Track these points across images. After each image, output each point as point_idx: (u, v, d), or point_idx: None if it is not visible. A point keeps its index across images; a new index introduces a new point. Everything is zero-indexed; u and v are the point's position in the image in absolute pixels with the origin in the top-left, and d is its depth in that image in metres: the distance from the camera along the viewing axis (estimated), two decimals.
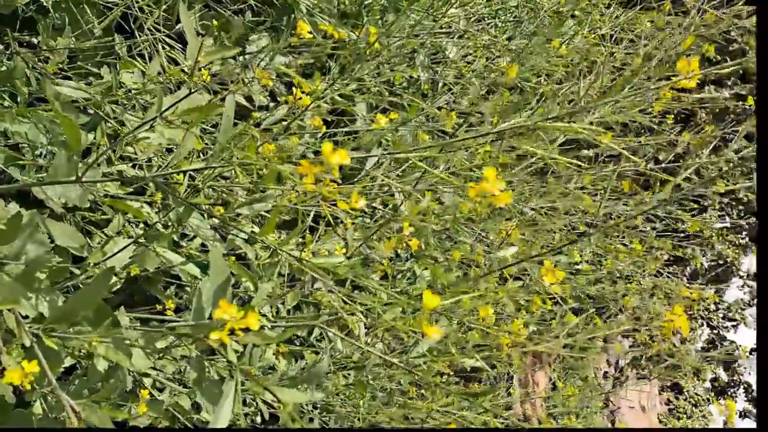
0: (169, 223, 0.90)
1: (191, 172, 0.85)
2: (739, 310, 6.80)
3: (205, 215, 0.74)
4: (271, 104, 2.20)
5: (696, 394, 7.80)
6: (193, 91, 0.68)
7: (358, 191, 0.59)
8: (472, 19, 2.29)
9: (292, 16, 2.33)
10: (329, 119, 2.04)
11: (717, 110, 4.17)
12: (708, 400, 7.76)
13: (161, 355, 1.26)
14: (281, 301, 1.04)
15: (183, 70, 1.61)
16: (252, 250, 1.11)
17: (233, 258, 1.02)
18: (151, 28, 1.49)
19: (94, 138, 1.45)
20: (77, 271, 1.20)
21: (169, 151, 1.19)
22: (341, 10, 2.48)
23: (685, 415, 7.86)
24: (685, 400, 7.94)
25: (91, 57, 1.61)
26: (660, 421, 8.56)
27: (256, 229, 1.30)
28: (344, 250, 1.03)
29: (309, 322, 0.73)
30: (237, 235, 1.12)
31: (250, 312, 0.50)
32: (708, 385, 7.89)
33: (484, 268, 1.15)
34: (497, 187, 0.55)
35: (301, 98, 1.53)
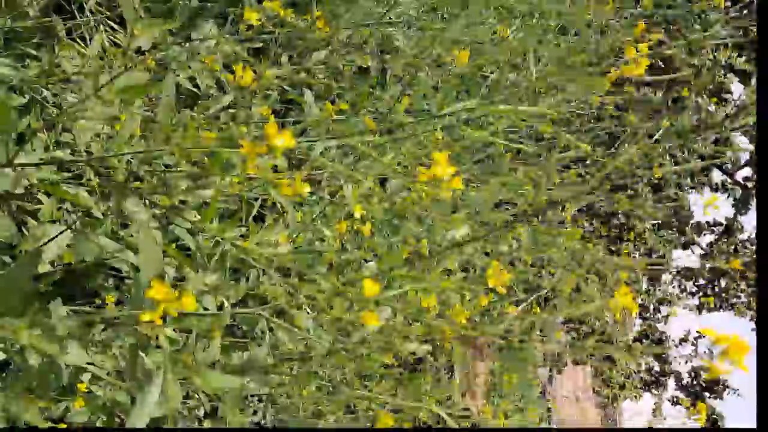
0: (108, 212, 0.87)
1: (132, 157, 0.83)
2: (669, 303, 7.12)
3: (146, 202, 0.72)
4: (218, 93, 2.17)
5: (626, 380, 8.13)
6: (130, 66, 0.66)
7: (303, 177, 0.59)
8: (423, 9, 2.30)
9: (240, 2, 2.29)
10: (278, 108, 2.02)
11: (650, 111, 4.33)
12: (640, 387, 8.11)
13: (99, 349, 1.22)
14: (225, 295, 1.03)
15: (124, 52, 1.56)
16: (194, 241, 1.09)
17: (174, 245, 0.99)
18: (93, 9, 1.44)
19: (29, 123, 1.39)
20: (10, 260, 1.15)
21: (110, 137, 1.15)
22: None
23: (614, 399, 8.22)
24: (614, 387, 8.28)
25: (28, 39, 1.55)
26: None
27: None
28: (289, 239, 1.02)
29: (251, 309, 0.72)
30: (179, 224, 1.09)
31: (186, 293, 0.50)
32: (642, 376, 8.24)
33: (432, 256, 1.16)
34: (448, 171, 0.56)
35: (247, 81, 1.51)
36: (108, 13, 1.49)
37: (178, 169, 0.70)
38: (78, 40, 1.63)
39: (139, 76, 0.69)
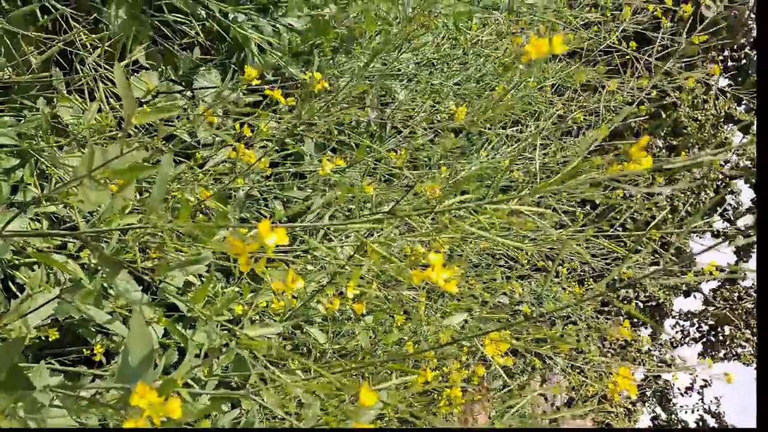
0: (96, 284, 0.85)
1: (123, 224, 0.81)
2: (671, 349, 7.02)
3: (136, 277, 0.71)
4: (217, 139, 2.17)
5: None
6: (126, 152, 0.65)
7: (295, 270, 0.57)
8: (422, 64, 2.32)
9: (243, 53, 2.31)
10: (276, 159, 2.02)
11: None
12: None
13: (86, 405, 1.18)
14: (216, 356, 1.00)
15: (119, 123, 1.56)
16: (184, 301, 1.06)
17: (163, 317, 0.97)
18: (93, 64, 1.45)
19: (22, 176, 1.38)
20: None
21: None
22: (292, 48, 2.47)
23: None
24: None
25: (27, 90, 1.55)
26: None
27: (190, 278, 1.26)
28: (282, 307, 1.00)
29: (236, 394, 0.69)
30: (169, 283, 1.07)
31: (171, 399, 0.47)
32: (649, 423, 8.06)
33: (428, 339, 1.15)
34: (442, 275, 0.53)
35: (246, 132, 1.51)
36: (108, 69, 1.49)
37: (168, 246, 0.68)
38: (76, 93, 1.63)
39: (135, 156, 0.67)
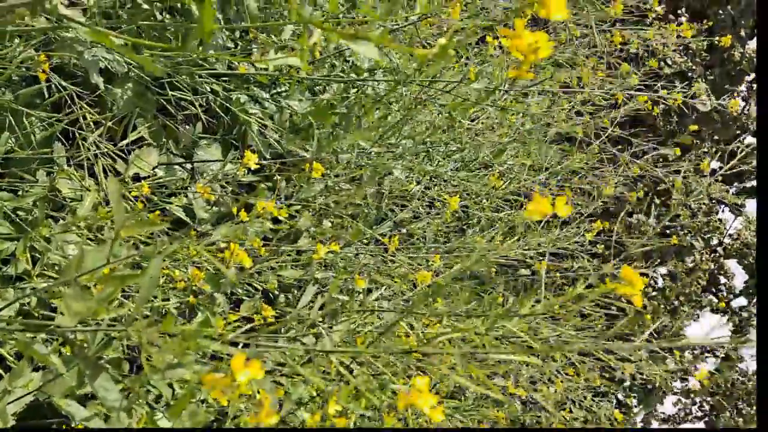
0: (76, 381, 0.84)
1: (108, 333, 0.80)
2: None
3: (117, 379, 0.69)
4: (214, 208, 2.18)
5: None
6: (113, 262, 0.65)
7: (270, 407, 0.56)
8: (417, 146, 2.36)
9: (243, 126, 2.35)
10: (269, 236, 2.03)
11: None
12: None
13: None
14: None
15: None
16: (163, 413, 1.04)
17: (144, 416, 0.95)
18: (95, 141, 1.47)
19: (14, 251, 1.38)
20: None
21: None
22: (293, 123, 2.52)
23: None
24: None
25: (27, 163, 1.57)
26: None
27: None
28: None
29: None
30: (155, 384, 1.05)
31: None
32: None
33: None
34: (429, 401, 0.52)
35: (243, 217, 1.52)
36: (110, 147, 1.52)
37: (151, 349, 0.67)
38: (77, 167, 1.65)
39: (125, 254, 0.68)
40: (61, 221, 1.59)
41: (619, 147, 2.58)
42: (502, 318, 0.68)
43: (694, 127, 2.80)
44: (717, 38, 2.57)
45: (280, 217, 2.02)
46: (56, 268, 1.32)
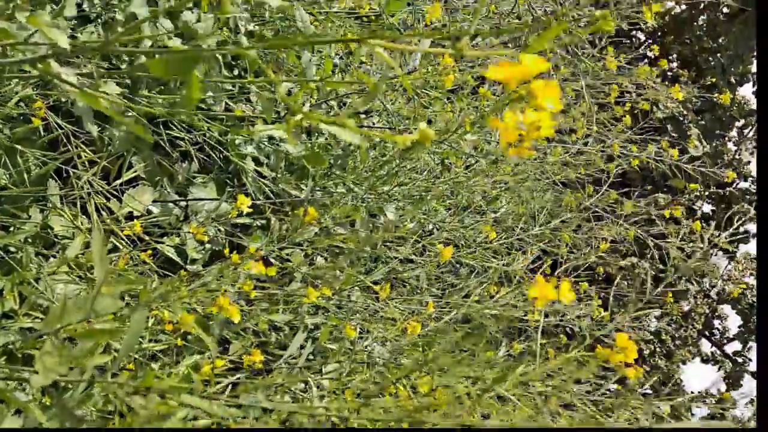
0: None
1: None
2: None
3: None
4: (207, 245, 2.17)
5: None
6: (92, 320, 0.64)
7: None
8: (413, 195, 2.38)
9: (238, 166, 2.36)
10: (263, 279, 2.02)
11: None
12: None
13: None
14: None
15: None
16: None
17: None
18: (89, 180, 1.47)
19: (2, 288, 1.37)
20: None
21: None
22: (289, 161, 2.53)
23: None
24: None
25: (20, 200, 1.57)
26: None
27: None
28: None
29: None
30: None
31: None
32: None
33: None
34: None
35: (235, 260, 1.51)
36: (105, 187, 1.52)
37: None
38: (70, 204, 1.65)
39: (108, 305, 0.67)
40: (52, 259, 1.58)
41: (612, 204, 2.60)
42: (496, 382, 0.67)
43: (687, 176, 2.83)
44: (716, 94, 2.63)
45: (272, 260, 2.01)
46: (43, 307, 1.31)
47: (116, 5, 1.87)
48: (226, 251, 1.39)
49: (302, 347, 1.10)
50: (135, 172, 1.62)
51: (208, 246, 2.08)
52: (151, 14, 1.58)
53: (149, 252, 1.60)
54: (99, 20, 1.87)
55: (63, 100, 1.58)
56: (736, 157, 4.88)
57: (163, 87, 1.86)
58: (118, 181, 1.56)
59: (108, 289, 0.62)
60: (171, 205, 2.14)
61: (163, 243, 1.65)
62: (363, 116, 2.64)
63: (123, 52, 0.76)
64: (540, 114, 0.53)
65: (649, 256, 4.80)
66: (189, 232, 1.68)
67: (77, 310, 0.72)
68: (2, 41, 0.83)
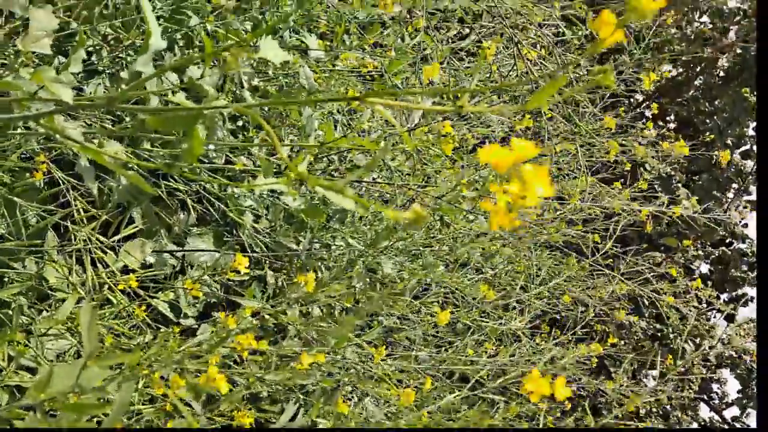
0: None
1: None
2: None
3: None
4: (202, 296, 2.15)
5: None
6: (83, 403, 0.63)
7: None
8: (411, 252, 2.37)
9: (233, 220, 2.36)
10: (259, 334, 1.99)
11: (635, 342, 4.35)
12: None
13: None
14: None
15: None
16: None
17: None
18: (86, 235, 1.47)
19: None
20: None
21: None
22: (288, 212, 2.54)
23: None
24: None
25: (17, 252, 1.56)
26: None
27: None
28: None
29: None
30: None
31: None
32: None
33: None
34: None
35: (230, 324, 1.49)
36: (103, 242, 1.51)
37: None
38: (69, 253, 1.64)
39: (94, 377, 0.66)
40: (45, 313, 1.57)
41: (610, 261, 2.60)
42: None
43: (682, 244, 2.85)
44: (716, 154, 2.65)
45: (266, 315, 2.00)
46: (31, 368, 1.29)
47: (124, 58, 1.90)
48: (222, 315, 1.37)
49: (294, 416, 1.07)
50: (135, 227, 1.62)
51: (202, 297, 2.06)
52: (156, 72, 1.60)
53: (143, 308, 1.58)
54: (105, 73, 1.91)
55: (66, 151, 1.60)
56: (733, 218, 4.90)
57: (164, 140, 1.88)
58: (116, 237, 1.56)
59: (96, 362, 0.61)
60: (167, 255, 2.13)
61: (157, 298, 1.63)
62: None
63: (127, 109, 0.76)
64: (527, 191, 0.53)
65: (646, 315, 4.77)
66: (184, 287, 1.66)
67: (64, 378, 0.71)
68: (8, 96, 0.84)
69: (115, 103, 0.76)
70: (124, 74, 1.55)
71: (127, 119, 1.69)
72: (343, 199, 0.61)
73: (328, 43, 2.51)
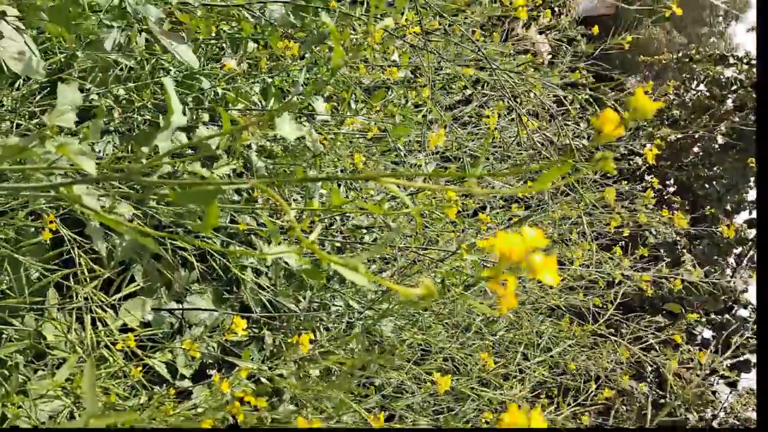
0: None
1: None
2: None
3: None
4: (199, 356, 2.12)
5: None
6: None
7: None
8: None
9: (235, 279, 2.36)
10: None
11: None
12: None
13: None
14: None
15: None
16: None
17: None
18: (88, 293, 1.47)
19: None
20: None
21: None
22: (288, 271, 2.54)
23: None
24: None
25: (17, 309, 1.56)
26: None
27: None
28: None
29: None
30: None
31: None
32: None
33: None
34: None
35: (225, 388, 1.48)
36: (104, 300, 1.51)
37: None
38: (66, 314, 1.64)
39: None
40: (41, 372, 1.55)
41: (612, 329, 2.58)
42: None
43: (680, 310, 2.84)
44: (719, 227, 2.68)
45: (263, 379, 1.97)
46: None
47: (135, 119, 1.95)
48: (216, 378, 1.36)
49: None
50: (137, 285, 1.63)
51: (198, 356, 2.04)
52: (173, 148, 1.64)
53: (140, 368, 1.57)
54: (117, 132, 1.95)
55: (74, 210, 1.61)
56: (733, 284, 4.89)
57: (170, 200, 1.90)
58: (118, 295, 1.56)
59: (95, 422, 0.60)
60: (165, 314, 2.12)
61: (154, 358, 1.62)
62: (365, 231, 2.68)
63: (146, 183, 0.78)
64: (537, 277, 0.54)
65: (648, 381, 4.70)
66: (181, 347, 1.65)
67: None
68: (27, 167, 0.86)
69: (134, 175, 0.78)
70: (144, 149, 1.58)
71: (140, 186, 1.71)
72: (356, 276, 0.62)
73: (334, 104, 2.57)
